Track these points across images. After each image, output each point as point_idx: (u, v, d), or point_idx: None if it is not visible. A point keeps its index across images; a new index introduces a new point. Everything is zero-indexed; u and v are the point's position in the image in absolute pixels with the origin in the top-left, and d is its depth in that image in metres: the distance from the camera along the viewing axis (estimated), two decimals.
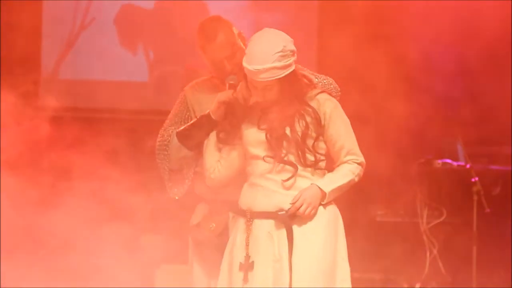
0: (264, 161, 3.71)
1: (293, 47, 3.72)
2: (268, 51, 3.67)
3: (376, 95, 6.73)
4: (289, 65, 3.70)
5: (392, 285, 6.64)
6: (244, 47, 3.98)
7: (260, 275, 3.69)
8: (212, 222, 3.99)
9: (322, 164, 3.77)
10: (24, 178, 5.52)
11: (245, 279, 3.69)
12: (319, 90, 3.80)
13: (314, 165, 3.73)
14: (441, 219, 6.65)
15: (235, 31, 4.04)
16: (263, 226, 3.73)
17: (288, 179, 3.69)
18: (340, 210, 3.85)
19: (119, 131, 6.22)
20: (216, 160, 3.85)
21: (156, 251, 6.07)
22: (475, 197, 6.23)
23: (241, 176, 3.87)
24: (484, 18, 6.98)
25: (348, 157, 3.78)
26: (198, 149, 3.97)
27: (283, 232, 3.70)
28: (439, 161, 6.69)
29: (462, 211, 6.48)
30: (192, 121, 4.02)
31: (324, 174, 3.77)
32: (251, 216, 3.73)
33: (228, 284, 3.78)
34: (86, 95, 6.87)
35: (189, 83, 4.20)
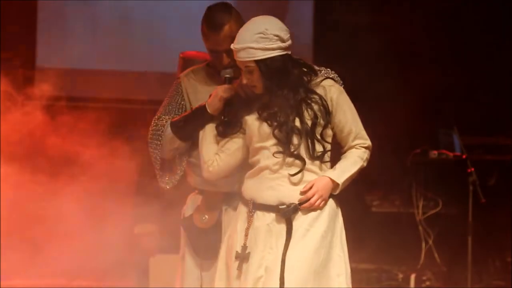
0: (274, 156, 3.66)
1: (280, 33, 3.66)
2: (248, 31, 3.67)
3: (372, 86, 6.77)
4: (270, 49, 3.66)
5: (388, 275, 6.65)
6: None
7: (253, 266, 3.67)
8: (205, 214, 3.95)
9: (328, 156, 3.72)
10: (19, 168, 5.52)
11: (240, 268, 3.68)
12: (323, 77, 3.76)
13: (322, 157, 3.69)
14: (437, 209, 6.69)
15: (243, 24, 3.91)
16: (264, 218, 3.70)
17: (295, 174, 3.66)
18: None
19: (113, 120, 6.22)
20: (214, 153, 3.81)
21: (150, 240, 6.07)
22: (471, 188, 6.21)
23: (238, 170, 3.82)
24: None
25: (356, 141, 3.75)
26: (191, 140, 3.93)
27: (283, 226, 3.68)
28: (435, 152, 6.70)
29: (457, 202, 6.47)
30: (186, 113, 3.97)
31: (329, 167, 3.73)
32: (253, 207, 3.71)
33: (226, 270, 3.76)
34: (80, 84, 6.88)
35: (184, 70, 4.14)
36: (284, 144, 3.65)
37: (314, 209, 3.67)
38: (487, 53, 7.20)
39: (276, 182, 3.68)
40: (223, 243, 3.82)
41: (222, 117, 3.81)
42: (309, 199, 3.66)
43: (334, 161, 3.76)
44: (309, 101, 3.66)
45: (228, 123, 3.80)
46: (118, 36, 6.98)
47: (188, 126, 3.89)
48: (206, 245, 3.93)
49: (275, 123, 3.67)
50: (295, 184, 3.67)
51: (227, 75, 3.85)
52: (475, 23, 7.21)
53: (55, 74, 6.58)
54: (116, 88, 6.93)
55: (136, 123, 5.68)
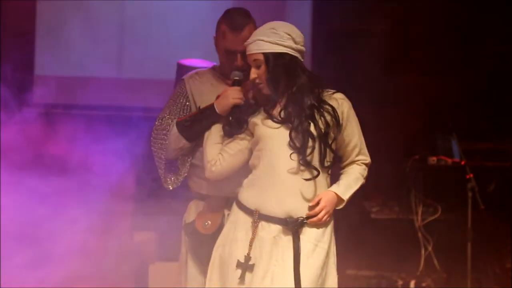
0: (291, 158, 3.67)
1: (292, 33, 3.72)
2: (262, 27, 3.75)
3: (371, 91, 6.76)
4: (279, 44, 3.70)
5: (387, 282, 6.63)
6: None
7: (258, 277, 3.67)
8: (208, 220, 3.96)
9: (330, 169, 3.77)
10: (17, 174, 5.49)
11: (242, 279, 3.68)
12: (335, 90, 3.80)
13: (329, 168, 3.74)
14: (436, 215, 6.68)
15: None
16: (270, 230, 3.71)
17: (309, 179, 3.68)
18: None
19: (112, 127, 6.23)
20: (218, 153, 3.83)
21: (150, 248, 6.07)
22: (470, 194, 6.19)
23: (240, 172, 3.85)
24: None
25: (359, 157, 3.82)
26: (196, 141, 3.95)
27: (289, 238, 3.69)
28: (434, 158, 6.71)
29: (457, 208, 6.47)
30: (194, 113, 4.00)
31: (329, 180, 3.78)
32: (259, 218, 3.71)
33: (218, 279, 3.78)
34: (80, 92, 6.87)
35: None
36: (299, 148, 3.66)
37: (320, 225, 3.71)
38: (486, 59, 7.18)
39: (284, 193, 3.68)
40: (216, 250, 3.82)
41: (230, 118, 3.83)
42: (317, 214, 3.69)
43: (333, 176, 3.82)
44: (322, 110, 3.70)
45: (235, 124, 3.82)
46: (116, 44, 7.00)
47: (196, 125, 3.92)
48: (208, 251, 3.92)
49: (291, 126, 3.68)
50: (303, 196, 3.69)
51: (237, 77, 3.90)
52: (474, 29, 7.19)
53: (53, 82, 6.62)
54: (113, 95, 6.92)
55: (135, 130, 5.70)
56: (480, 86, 7.10)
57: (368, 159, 3.85)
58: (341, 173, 3.84)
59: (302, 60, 3.75)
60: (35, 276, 5.52)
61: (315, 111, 3.70)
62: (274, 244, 3.68)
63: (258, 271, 3.67)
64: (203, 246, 3.94)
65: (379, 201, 6.91)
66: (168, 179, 4.08)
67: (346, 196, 3.76)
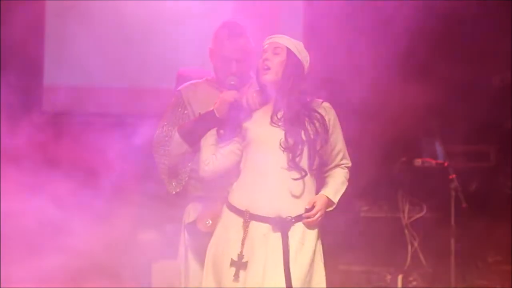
0: (280, 160, 3.74)
1: (308, 57, 3.91)
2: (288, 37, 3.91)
3: (362, 98, 6.78)
4: (301, 51, 3.88)
5: (377, 276, 6.70)
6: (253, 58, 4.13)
7: (253, 275, 3.73)
8: (208, 218, 4.03)
9: (316, 172, 3.88)
10: (21, 175, 5.56)
11: (236, 276, 3.75)
12: (322, 100, 3.92)
13: (315, 171, 3.83)
14: (422, 214, 6.77)
15: (252, 42, 4.18)
16: (260, 228, 3.77)
17: (297, 179, 3.76)
18: None
19: (118, 133, 6.07)
20: (212, 154, 3.90)
21: (153, 246, 6.16)
22: (453, 193, 6.32)
23: (233, 172, 3.92)
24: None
25: (343, 161, 3.94)
26: (197, 146, 4.00)
27: (278, 235, 3.75)
28: (419, 160, 6.78)
29: (441, 206, 6.55)
30: (195, 118, 4.07)
31: (314, 181, 3.89)
32: (249, 218, 3.77)
33: (213, 279, 3.85)
34: (88, 100, 6.93)
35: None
36: (289, 151, 3.73)
37: (312, 225, 3.81)
38: (467, 65, 7.11)
39: (273, 193, 3.77)
40: (209, 250, 3.87)
41: (225, 123, 3.91)
42: (313, 216, 3.79)
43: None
44: (312, 117, 3.82)
45: (229, 127, 3.90)
46: (122, 55, 7.04)
47: (197, 130, 3.98)
48: None
49: (284, 130, 3.78)
50: (292, 196, 3.78)
51: (232, 82, 4.00)
52: (460, 37, 7.25)
53: (62, 91, 6.75)
54: (120, 103, 6.98)
55: (139, 136, 5.82)
56: (462, 92, 7.09)
57: (349, 163, 3.96)
58: (327, 177, 3.93)
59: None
60: (36, 275, 5.54)
61: (306, 118, 3.80)
62: (264, 242, 3.74)
63: (251, 268, 3.73)
64: (204, 244, 3.96)
65: (368, 201, 6.97)
66: (171, 184, 4.17)
67: (336, 199, 3.87)
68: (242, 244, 3.75)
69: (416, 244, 6.70)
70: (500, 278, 6.54)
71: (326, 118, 3.86)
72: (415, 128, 6.87)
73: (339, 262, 6.61)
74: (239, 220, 3.79)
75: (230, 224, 3.83)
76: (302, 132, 3.78)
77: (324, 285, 3.85)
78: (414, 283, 6.62)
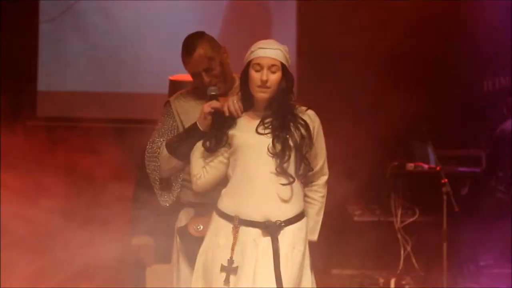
0: (268, 165, 3.76)
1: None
2: (276, 42, 3.90)
3: (355, 103, 6.90)
4: (287, 58, 3.89)
5: (370, 280, 6.74)
6: (227, 62, 4.12)
7: (243, 280, 3.72)
8: (199, 223, 4.03)
9: (303, 177, 3.89)
10: (19, 180, 5.59)
11: (226, 281, 3.75)
12: (307, 107, 3.93)
13: (302, 176, 3.85)
14: (414, 218, 6.79)
15: (218, 46, 4.13)
16: (249, 233, 3.78)
17: (285, 184, 3.77)
18: None
19: (113, 139, 6.20)
20: (202, 167, 3.91)
21: (147, 251, 6.12)
22: (445, 197, 6.30)
23: (225, 181, 3.92)
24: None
25: (322, 176, 3.94)
26: (187, 159, 4.00)
27: (268, 239, 3.75)
28: (412, 164, 6.79)
29: (433, 210, 6.56)
30: (180, 133, 4.08)
31: (301, 186, 3.88)
32: (239, 223, 3.78)
33: (203, 284, 3.84)
34: (80, 106, 6.94)
35: (173, 94, 4.28)
36: (277, 156, 3.74)
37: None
38: (459, 71, 7.30)
39: (262, 198, 3.77)
40: (199, 256, 3.87)
41: (210, 134, 3.89)
42: None
43: None
44: (297, 124, 3.83)
45: (214, 138, 3.88)
46: (114, 61, 7.06)
47: (183, 145, 3.99)
48: None
49: (271, 136, 3.78)
50: (281, 200, 3.78)
51: (213, 92, 3.99)
52: (449, 44, 7.32)
53: (56, 97, 6.76)
54: (113, 108, 7.01)
55: (133, 141, 5.86)
56: (454, 98, 7.22)
57: (327, 177, 3.96)
58: (304, 196, 3.91)
59: None
60: (34, 279, 5.56)
61: (291, 124, 3.80)
62: (254, 247, 3.75)
63: (241, 273, 3.73)
64: (195, 248, 3.96)
65: (361, 205, 7.02)
66: (164, 197, 4.16)
67: (315, 236, 3.89)
68: (232, 249, 3.77)
69: (408, 247, 6.72)
70: (491, 281, 6.53)
71: (311, 126, 3.88)
72: (407, 133, 6.94)
73: (332, 266, 6.67)
74: (229, 226, 3.81)
75: (219, 229, 3.84)
76: (290, 138, 3.80)
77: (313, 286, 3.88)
78: (407, 286, 6.65)
